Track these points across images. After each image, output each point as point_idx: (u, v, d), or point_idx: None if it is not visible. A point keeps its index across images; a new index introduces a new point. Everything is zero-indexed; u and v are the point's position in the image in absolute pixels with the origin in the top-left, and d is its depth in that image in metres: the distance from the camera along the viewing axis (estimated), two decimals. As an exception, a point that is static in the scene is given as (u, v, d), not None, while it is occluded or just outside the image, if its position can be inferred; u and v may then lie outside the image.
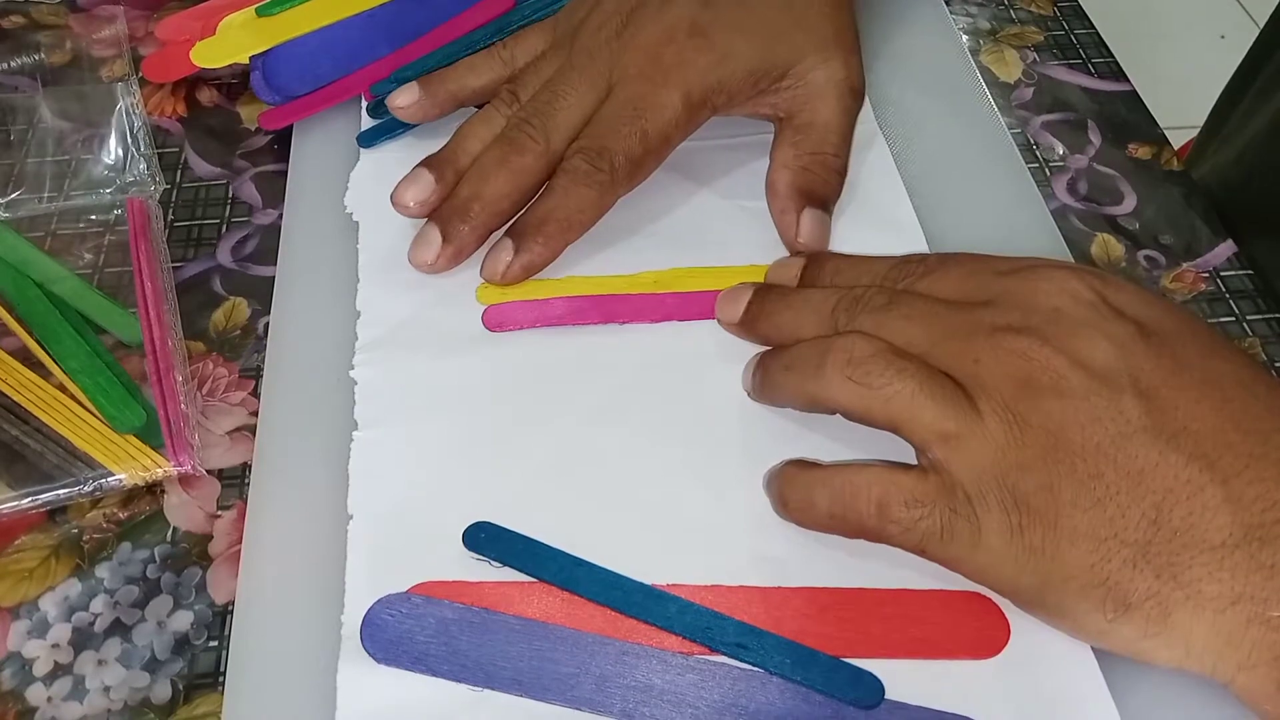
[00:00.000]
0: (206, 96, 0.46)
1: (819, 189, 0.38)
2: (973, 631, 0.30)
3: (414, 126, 0.43)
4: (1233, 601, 0.26)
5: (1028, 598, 0.29)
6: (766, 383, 0.34)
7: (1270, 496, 0.27)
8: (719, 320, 0.36)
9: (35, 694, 0.30)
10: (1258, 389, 0.29)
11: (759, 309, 0.35)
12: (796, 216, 0.38)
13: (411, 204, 0.38)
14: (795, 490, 0.31)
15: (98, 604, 0.32)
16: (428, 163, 0.39)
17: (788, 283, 0.36)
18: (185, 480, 0.34)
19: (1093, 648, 0.30)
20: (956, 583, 0.31)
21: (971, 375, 0.29)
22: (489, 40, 0.44)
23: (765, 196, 0.39)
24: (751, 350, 0.35)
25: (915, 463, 0.30)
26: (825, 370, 0.30)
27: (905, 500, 0.29)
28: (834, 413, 0.31)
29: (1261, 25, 0.57)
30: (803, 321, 0.33)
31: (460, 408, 0.35)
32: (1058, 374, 0.28)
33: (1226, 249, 0.41)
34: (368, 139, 0.43)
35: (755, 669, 0.29)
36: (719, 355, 0.36)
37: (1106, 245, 0.41)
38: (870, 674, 0.29)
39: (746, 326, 0.35)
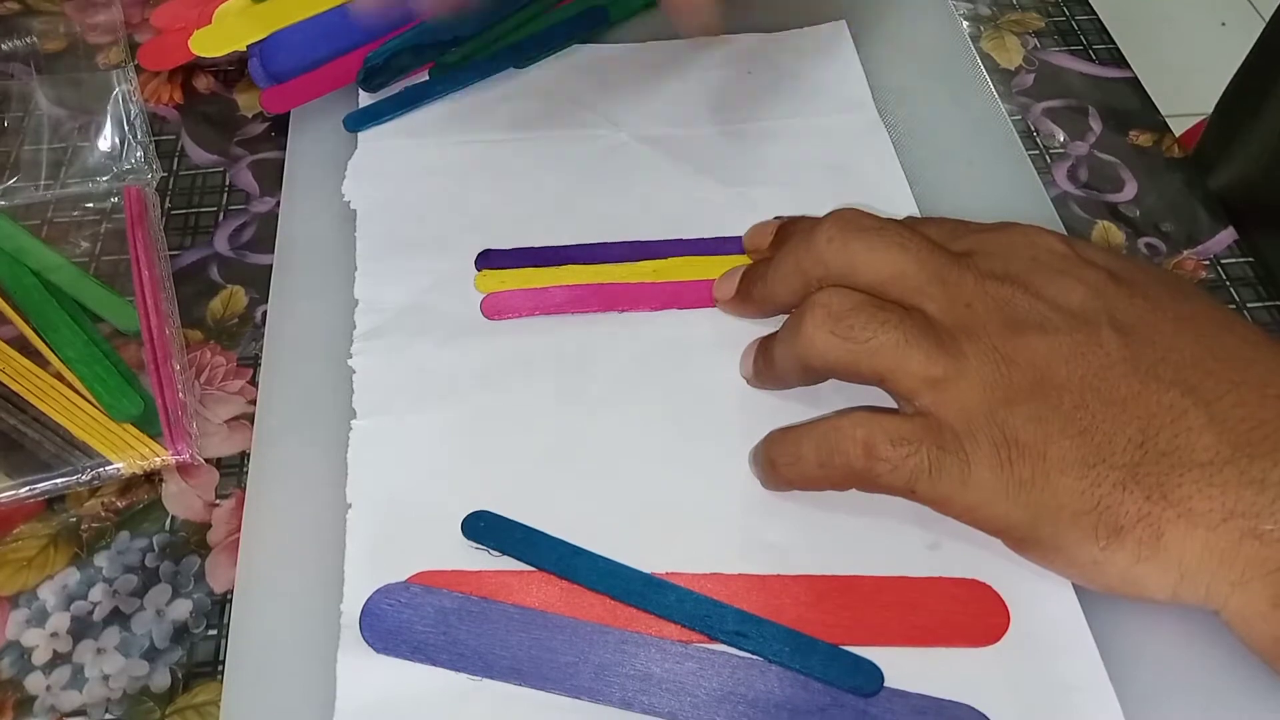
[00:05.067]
0: (203, 84, 0.46)
1: None
2: (972, 619, 0.30)
3: (404, 110, 0.43)
4: (1224, 518, 0.26)
5: (1020, 534, 0.29)
6: (766, 361, 0.34)
7: (1255, 417, 0.27)
8: (716, 301, 0.36)
9: (34, 683, 0.30)
10: (1233, 325, 0.30)
11: (752, 274, 0.35)
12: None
13: None
14: (782, 448, 0.31)
15: (96, 593, 0.32)
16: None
17: (763, 240, 0.37)
18: (183, 469, 0.34)
19: (1092, 634, 0.30)
20: (956, 570, 0.31)
21: (961, 319, 0.30)
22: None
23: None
24: (749, 338, 0.35)
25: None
26: (806, 326, 0.30)
27: (892, 439, 0.29)
28: (825, 375, 0.31)
29: (1262, 12, 0.57)
30: (794, 260, 0.33)
31: (459, 396, 0.35)
32: (1041, 315, 0.29)
33: (1227, 236, 0.41)
34: (355, 122, 0.42)
35: (754, 657, 0.29)
36: (718, 343, 0.36)
37: (1107, 232, 0.41)
38: (869, 662, 0.29)
39: (742, 295, 0.35)
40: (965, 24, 0.49)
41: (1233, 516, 0.26)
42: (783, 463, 0.31)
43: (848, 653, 0.29)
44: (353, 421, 0.34)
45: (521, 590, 0.31)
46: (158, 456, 0.34)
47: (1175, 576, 0.27)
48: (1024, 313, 0.30)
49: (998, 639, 0.30)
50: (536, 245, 0.39)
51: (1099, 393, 0.28)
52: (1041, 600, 0.30)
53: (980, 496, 0.28)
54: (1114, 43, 0.48)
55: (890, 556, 0.31)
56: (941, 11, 0.48)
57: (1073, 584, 0.30)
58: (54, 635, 0.31)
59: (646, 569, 0.31)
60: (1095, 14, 0.50)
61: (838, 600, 0.30)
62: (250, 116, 0.45)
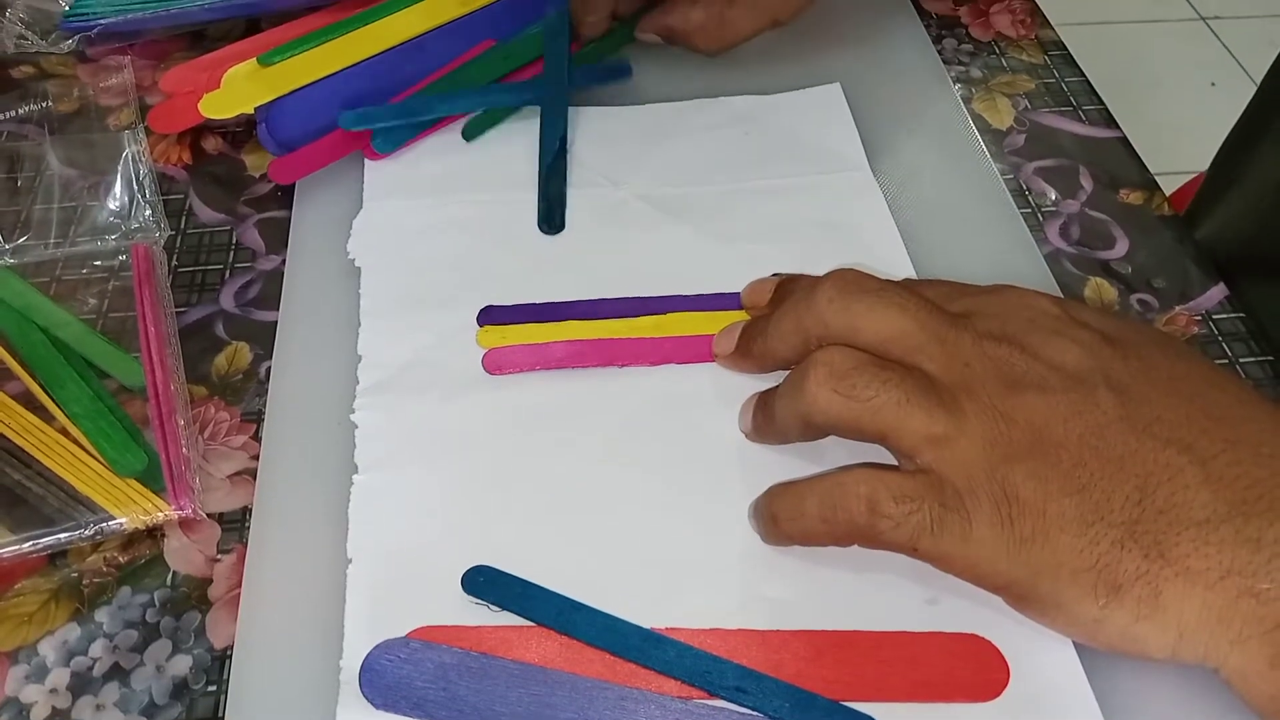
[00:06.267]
0: (212, 145, 0.47)
1: (679, 26, 0.47)
2: (972, 674, 0.30)
3: (409, 138, 0.44)
4: (1221, 576, 0.27)
5: (1020, 591, 0.29)
6: (765, 416, 0.34)
7: (1251, 475, 0.28)
8: (716, 356, 0.37)
9: (32, 740, 0.30)
10: (1226, 385, 0.30)
11: (751, 329, 0.36)
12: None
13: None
14: (785, 502, 0.32)
15: (96, 648, 0.32)
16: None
17: (761, 297, 0.38)
18: (185, 524, 0.34)
19: (1092, 683, 0.30)
20: (955, 625, 0.31)
21: (961, 378, 0.30)
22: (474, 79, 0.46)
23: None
24: (748, 393, 0.35)
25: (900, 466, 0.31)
26: (809, 384, 0.31)
27: (894, 496, 0.29)
28: (827, 432, 0.32)
29: (1250, 72, 0.58)
30: (795, 319, 0.33)
31: (460, 451, 0.35)
32: (1038, 374, 0.30)
33: (1218, 292, 0.42)
34: (349, 123, 0.44)
35: (754, 713, 0.29)
36: (717, 398, 0.36)
37: (1100, 289, 0.42)
38: (869, 717, 0.29)
39: (742, 351, 0.36)
40: (957, 86, 0.50)
41: (1229, 575, 0.27)
42: (785, 518, 0.31)
43: (847, 708, 0.29)
44: (354, 476, 0.34)
45: (521, 646, 0.31)
46: (160, 511, 0.34)
47: (1174, 635, 0.27)
48: (1021, 372, 0.30)
49: (997, 695, 0.30)
50: (537, 301, 0.39)
51: (1097, 451, 0.28)
52: (1041, 656, 0.30)
53: (981, 553, 0.28)
54: (1103, 103, 0.49)
55: (889, 612, 0.31)
56: (934, 74, 0.50)
57: (1073, 640, 0.30)
58: (53, 691, 0.31)
59: (646, 624, 0.31)
60: (1084, 75, 0.51)
61: (837, 655, 0.30)
62: (257, 176, 0.45)
